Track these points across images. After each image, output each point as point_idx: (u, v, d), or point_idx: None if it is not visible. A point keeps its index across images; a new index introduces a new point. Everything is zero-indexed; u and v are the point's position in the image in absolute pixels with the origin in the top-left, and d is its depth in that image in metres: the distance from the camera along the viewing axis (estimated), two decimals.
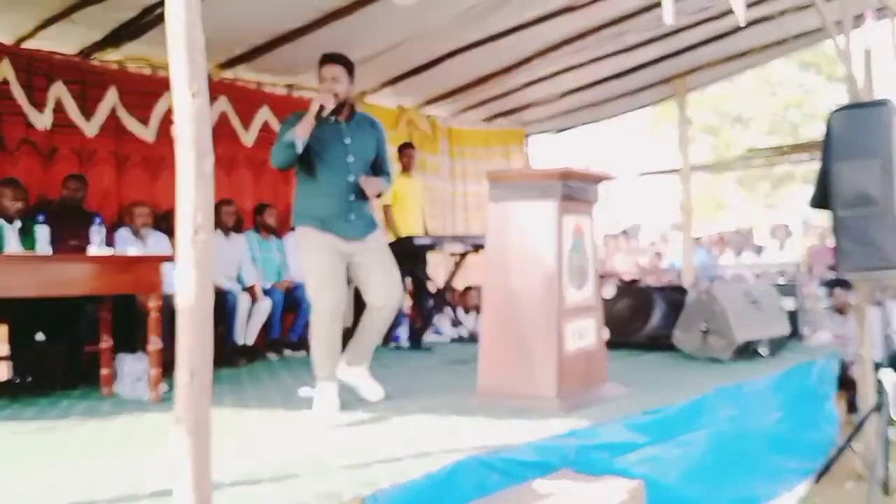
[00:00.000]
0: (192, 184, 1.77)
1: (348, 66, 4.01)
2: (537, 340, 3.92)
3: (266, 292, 6.25)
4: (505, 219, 4.03)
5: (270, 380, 5.15)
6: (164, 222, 5.97)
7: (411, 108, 8.79)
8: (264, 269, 6.52)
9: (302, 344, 6.53)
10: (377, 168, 4.14)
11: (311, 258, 3.91)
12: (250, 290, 6.14)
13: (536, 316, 3.92)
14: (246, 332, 6.06)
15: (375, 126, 4.16)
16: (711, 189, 27.89)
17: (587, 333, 4.11)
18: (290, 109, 7.58)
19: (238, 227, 6.50)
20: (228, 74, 7.13)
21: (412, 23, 6.54)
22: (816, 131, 25.36)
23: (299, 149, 3.78)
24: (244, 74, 7.25)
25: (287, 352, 6.39)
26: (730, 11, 7.07)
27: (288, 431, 3.54)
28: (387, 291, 4.07)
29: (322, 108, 3.82)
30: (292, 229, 4.10)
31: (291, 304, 6.44)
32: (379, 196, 4.19)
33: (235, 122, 7.09)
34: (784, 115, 26.43)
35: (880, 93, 6.19)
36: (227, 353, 5.79)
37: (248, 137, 7.20)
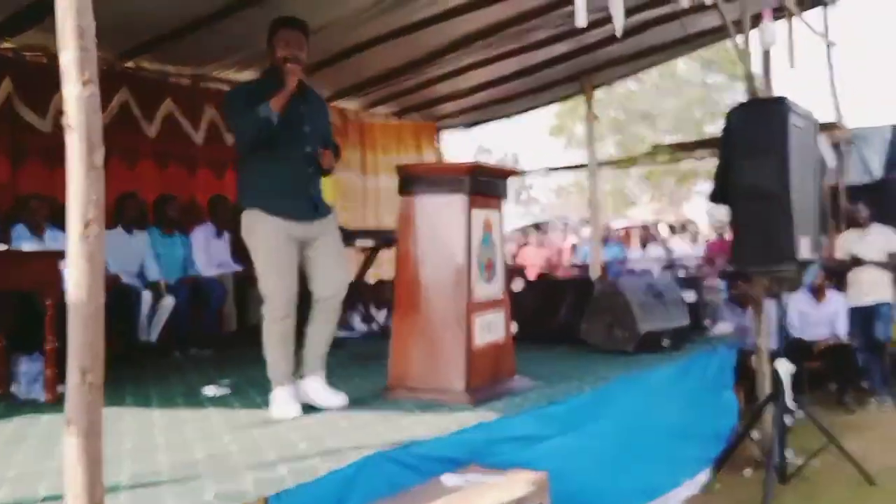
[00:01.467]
0: (83, 176, 1.70)
1: (307, 32, 3.84)
2: (446, 334, 3.93)
3: (170, 288, 6.08)
4: (414, 212, 4.02)
5: (175, 378, 5.01)
6: (63, 217, 5.72)
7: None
8: (167, 264, 6.35)
9: (209, 341, 6.40)
10: (326, 141, 3.93)
11: (263, 247, 3.65)
12: (154, 286, 5.96)
13: (446, 309, 3.93)
14: (149, 330, 5.89)
15: (321, 97, 4.01)
16: (619, 185, 28.56)
17: (496, 327, 4.15)
18: (194, 100, 7.56)
19: (142, 221, 6.31)
20: (130, 64, 6.89)
21: (322, 14, 6.44)
22: (719, 128, 26.37)
23: (274, 122, 3.56)
24: (147, 64, 7.02)
25: (193, 350, 6.23)
26: (635, 9, 7.30)
27: (191, 431, 3.45)
28: (339, 280, 3.85)
29: (301, 81, 3.66)
30: (239, 212, 3.79)
31: (197, 301, 6.29)
32: (329, 172, 3.94)
33: (137, 112, 6.87)
34: (688, 112, 27.23)
35: (777, 90, 6.45)
36: (130, 352, 5.61)
37: (152, 129, 6.99)
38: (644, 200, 27.89)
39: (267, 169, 3.68)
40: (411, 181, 4.07)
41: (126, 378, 4.94)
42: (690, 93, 27.25)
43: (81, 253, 1.69)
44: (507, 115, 10.45)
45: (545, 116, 26.86)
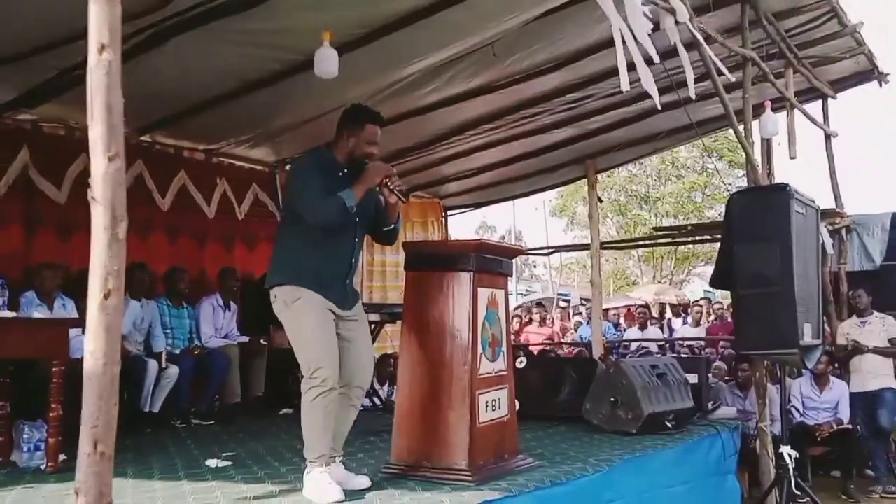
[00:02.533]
0: (105, 248, 1.76)
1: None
2: (450, 411, 3.92)
3: (174, 359, 6.11)
4: (421, 288, 4.07)
5: (176, 449, 5.00)
6: (74, 286, 5.80)
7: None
8: (175, 335, 6.39)
9: (210, 413, 6.39)
10: (375, 223, 3.92)
11: (309, 322, 3.55)
12: (158, 356, 5.99)
13: (450, 386, 3.94)
14: (151, 400, 5.88)
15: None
16: (620, 265, 28.71)
17: (500, 404, 4.15)
18: (207, 174, 7.72)
19: (150, 292, 6.38)
20: (146, 138, 7.07)
21: (331, 96, 6.62)
22: (718, 213, 26.63)
23: (353, 213, 3.58)
24: (162, 138, 7.20)
25: (195, 421, 6.21)
26: (640, 97, 7.50)
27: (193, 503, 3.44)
28: (368, 371, 3.83)
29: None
30: (269, 289, 3.70)
31: (201, 372, 6.30)
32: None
33: (151, 185, 7.01)
34: (688, 196, 27.56)
35: (778, 178, 6.58)
36: (132, 421, 5.60)
37: (165, 202, 7.12)
38: (644, 281, 27.95)
39: (314, 252, 3.63)
40: (418, 258, 4.14)
41: (128, 448, 4.92)
42: (691, 178, 27.63)
43: (100, 323, 1.74)
44: (512, 197, 10.63)
45: (548, 196, 27.17)
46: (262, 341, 7.06)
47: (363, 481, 3.69)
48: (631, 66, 4.18)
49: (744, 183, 26.20)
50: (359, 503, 3.42)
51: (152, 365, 5.89)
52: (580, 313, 14.98)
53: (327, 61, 5.20)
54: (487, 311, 4.10)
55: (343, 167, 3.75)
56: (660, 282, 25.80)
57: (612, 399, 5.34)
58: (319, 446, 3.54)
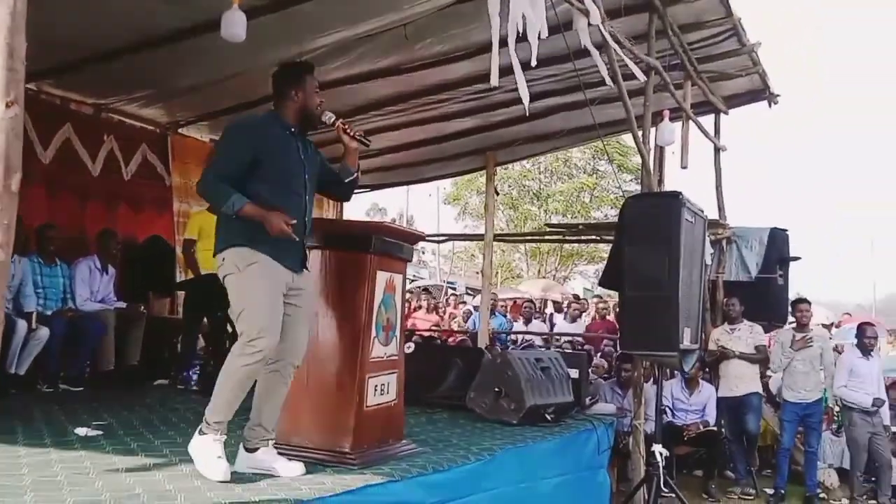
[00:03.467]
0: None
1: None
2: (339, 392, 3.88)
3: (45, 320, 5.80)
4: (319, 267, 3.99)
5: (42, 415, 4.73)
6: None
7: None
8: (46, 295, 6.06)
9: (80, 379, 6.11)
10: (327, 178, 3.78)
11: (260, 289, 3.37)
12: (28, 316, 5.67)
13: (341, 368, 3.89)
14: (18, 361, 5.57)
15: (313, 143, 3.78)
16: (506, 258, 29.19)
17: (389, 389, 4.12)
18: (95, 129, 7.36)
19: (23, 248, 6.01)
20: (31, 86, 6.65)
21: (236, 61, 6.41)
22: (605, 214, 27.46)
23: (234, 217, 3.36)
24: (49, 88, 6.80)
25: (63, 386, 5.92)
26: (543, 95, 7.61)
27: (59, 474, 3.27)
28: (304, 348, 3.64)
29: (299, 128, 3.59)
30: (218, 253, 3.48)
31: (73, 336, 6.01)
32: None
33: (33, 135, 6.61)
34: (577, 196, 28.29)
35: (667, 186, 6.80)
36: None
37: (47, 154, 6.74)
38: (529, 275, 28.54)
39: None
40: (318, 236, 4.05)
41: None
42: (581, 178, 28.37)
43: None
44: (411, 181, 10.61)
45: (442, 183, 27.33)
46: (141, 308, 6.81)
47: (296, 467, 3.51)
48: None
49: (632, 188, 27.13)
50: (239, 483, 3.32)
51: (21, 325, 5.57)
52: (464, 302, 15.14)
53: (235, 24, 5.01)
54: (385, 294, 4.07)
55: (290, 126, 3.58)
56: (544, 277, 26.37)
57: (496, 389, 5.39)
58: (225, 411, 3.39)
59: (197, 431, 3.43)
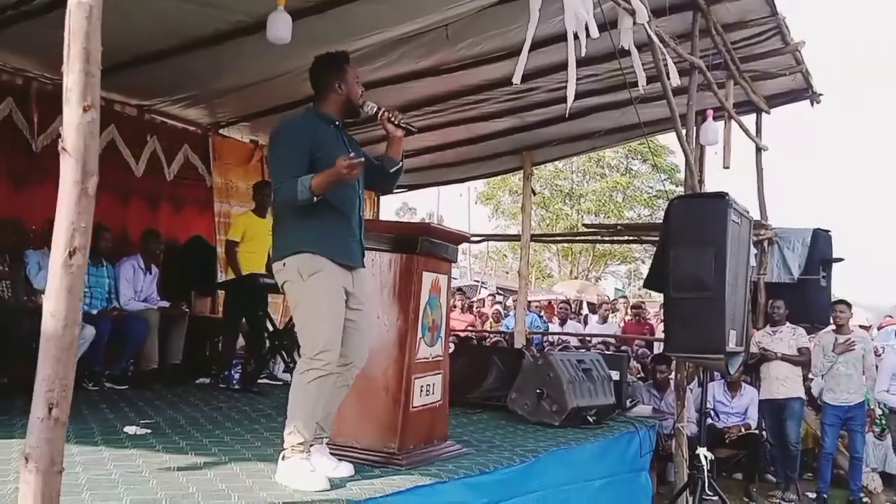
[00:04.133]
0: (74, 203, 1.65)
1: None
2: (385, 393, 3.89)
3: (91, 319, 5.87)
4: (366, 267, 4.00)
5: (90, 413, 4.79)
6: None
7: (267, 146, 8.65)
8: (92, 294, 6.14)
9: (124, 378, 6.20)
10: (371, 171, 3.66)
11: (323, 301, 3.32)
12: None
13: (387, 368, 3.90)
14: None
15: (354, 139, 3.74)
16: (536, 258, 29.10)
17: (434, 389, 4.13)
18: (137, 131, 7.45)
19: None
20: None
21: (278, 63, 6.46)
22: (637, 213, 27.25)
23: (311, 203, 3.29)
24: None
25: (108, 384, 6.00)
26: (581, 95, 7.56)
27: (113, 472, 3.31)
28: (367, 345, 3.59)
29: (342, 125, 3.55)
30: (279, 259, 3.42)
31: (117, 335, 6.08)
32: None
33: None
34: (610, 196, 28.11)
35: (708, 185, 6.73)
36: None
37: None
38: (561, 275, 28.44)
39: (322, 212, 3.36)
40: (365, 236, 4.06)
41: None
42: (614, 178, 28.18)
43: (62, 282, 1.63)
44: (447, 182, 10.60)
45: (474, 182, 27.29)
46: (183, 307, 6.88)
47: (346, 468, 3.50)
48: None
49: (665, 187, 26.74)
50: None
51: None
52: (499, 302, 15.13)
53: (280, 26, 5.05)
54: (430, 295, 4.08)
55: (333, 121, 3.54)
56: (576, 277, 26.25)
57: (538, 391, 5.38)
58: (305, 432, 3.31)
59: (280, 458, 3.36)
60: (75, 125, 1.67)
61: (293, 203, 3.30)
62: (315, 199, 3.26)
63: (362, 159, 3.38)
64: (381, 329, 3.93)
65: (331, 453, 3.65)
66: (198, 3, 5.30)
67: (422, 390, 4.01)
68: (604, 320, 12.01)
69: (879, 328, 13.80)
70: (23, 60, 6.35)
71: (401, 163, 3.71)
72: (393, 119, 3.56)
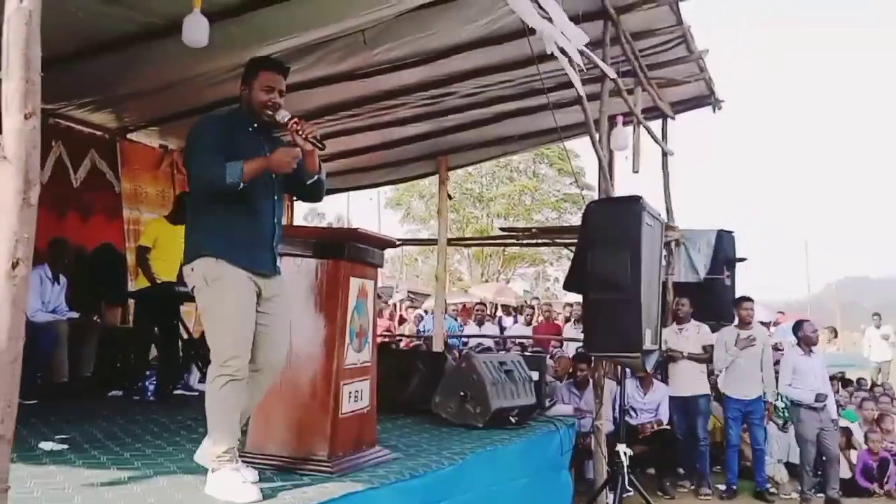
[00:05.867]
0: (16, 213, 1.60)
1: (286, 74, 3.55)
2: (313, 400, 3.86)
3: None
4: (291, 274, 3.97)
5: None
6: None
7: (176, 151, 8.46)
8: None
9: (32, 392, 5.93)
10: (294, 181, 3.59)
11: (229, 306, 3.28)
12: None
13: (315, 375, 3.87)
14: None
15: (281, 140, 3.67)
16: (447, 262, 29.25)
17: (362, 395, 4.13)
18: (42, 136, 7.07)
19: None
20: None
21: (188, 66, 6.33)
22: (545, 217, 27.77)
23: (238, 189, 3.24)
24: None
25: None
26: (496, 100, 7.70)
27: (35, 490, 3.19)
28: (282, 353, 3.54)
29: (267, 125, 3.46)
30: (186, 264, 3.39)
31: (24, 348, 5.81)
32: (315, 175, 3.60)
33: None
34: (519, 198, 28.57)
35: (618, 189, 6.94)
36: None
37: None
38: (473, 277, 28.70)
39: (232, 217, 3.34)
40: (289, 242, 4.01)
41: None
42: (522, 181, 28.65)
43: (6, 295, 1.58)
44: (361, 187, 10.58)
45: (382, 188, 27.29)
46: (94, 318, 6.66)
47: (251, 474, 3.43)
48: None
49: (571, 190, 27.31)
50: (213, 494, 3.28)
51: None
52: (414, 306, 15.16)
53: (197, 29, 4.95)
54: (357, 300, 4.07)
55: (252, 122, 3.49)
56: (486, 280, 26.54)
57: (461, 393, 5.43)
58: (228, 438, 3.29)
59: (209, 472, 3.31)
60: (16, 133, 1.63)
61: (219, 186, 3.24)
62: (241, 185, 3.24)
63: (297, 151, 3.38)
64: (308, 335, 3.91)
65: (256, 462, 3.64)
66: (107, 3, 5.14)
67: (350, 396, 4.00)
68: (528, 322, 12.14)
69: (775, 324, 14.48)
70: None
71: (317, 176, 3.62)
72: (301, 133, 3.44)
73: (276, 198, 3.54)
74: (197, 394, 6.85)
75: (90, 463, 3.81)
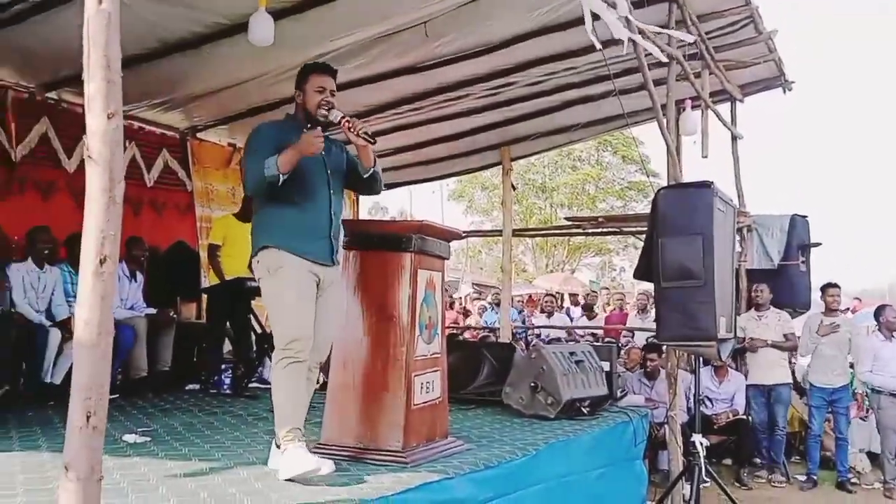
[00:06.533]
0: (102, 211, 1.65)
1: (336, 76, 3.77)
2: (386, 392, 3.89)
3: None
4: (360, 267, 4.00)
5: None
6: None
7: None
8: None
9: (114, 387, 6.12)
10: (351, 176, 3.84)
11: (290, 293, 3.49)
12: (63, 324, 5.69)
13: (387, 367, 3.90)
14: (53, 371, 5.58)
15: (337, 141, 3.92)
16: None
17: (434, 387, 4.15)
18: None
19: (52, 257, 6.03)
20: (53, 95, 6.67)
21: (254, 64, 6.43)
22: (610, 205, 27.43)
23: (279, 182, 3.45)
24: (69, 97, 6.80)
25: None
26: (561, 88, 7.62)
27: (121, 481, 3.29)
28: (328, 338, 3.74)
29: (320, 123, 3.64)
30: (253, 255, 3.62)
31: None
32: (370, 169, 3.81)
33: (57, 145, 6.65)
34: (582, 188, 28.28)
35: (686, 175, 6.80)
36: (33, 393, 5.33)
37: (71, 163, 6.74)
38: (537, 268, 28.55)
39: (289, 211, 3.57)
40: (359, 236, 4.07)
41: (33, 420, 4.72)
42: (585, 170, 28.35)
43: (95, 289, 1.63)
44: (426, 179, 10.60)
45: (445, 181, 27.33)
46: (170, 313, 6.82)
47: (327, 464, 3.47)
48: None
49: (636, 178, 26.90)
50: (297, 484, 3.33)
51: (55, 334, 5.59)
52: (479, 298, 15.16)
53: (263, 28, 5.05)
54: (426, 292, 4.08)
55: (304, 126, 3.66)
56: (551, 270, 26.37)
57: (532, 384, 5.40)
58: (294, 418, 3.46)
59: (273, 449, 3.54)
60: (100, 133, 1.67)
61: (262, 182, 3.46)
62: (282, 177, 3.44)
63: (321, 134, 3.56)
64: (378, 328, 3.94)
65: (334, 454, 3.73)
66: (174, 5, 5.26)
67: (422, 388, 4.02)
68: (589, 310, 12.00)
69: (852, 311, 14.05)
70: None
71: (371, 169, 3.83)
72: (352, 129, 3.63)
73: (331, 191, 3.72)
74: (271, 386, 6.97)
75: (172, 454, 3.91)
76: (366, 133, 3.66)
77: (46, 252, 5.94)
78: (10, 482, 3.22)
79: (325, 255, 3.65)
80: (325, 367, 4.02)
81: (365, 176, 3.84)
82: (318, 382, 3.90)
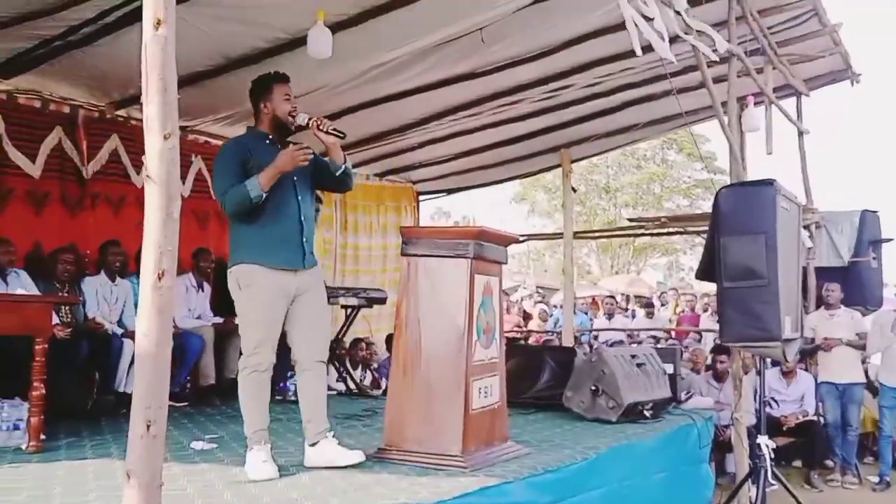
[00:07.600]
0: (160, 227, 1.72)
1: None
2: (444, 397, 3.93)
3: None
4: (418, 274, 4.05)
5: None
6: (37, 262, 5.74)
7: None
8: None
9: (183, 395, 6.30)
10: (321, 175, 3.95)
11: (256, 308, 3.66)
12: (133, 335, 5.87)
13: (445, 372, 3.94)
14: (127, 380, 5.77)
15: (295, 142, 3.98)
16: (574, 255, 28.92)
17: (492, 391, 4.17)
18: (182, 152, 7.45)
19: (123, 270, 6.24)
20: (122, 113, 6.91)
21: (313, 77, 6.53)
22: (676, 204, 27.00)
23: (261, 201, 3.60)
24: (137, 114, 7.03)
25: (168, 402, 6.10)
26: (617, 89, 7.56)
27: (187, 487, 3.40)
28: (322, 343, 3.92)
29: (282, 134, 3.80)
30: (229, 269, 3.78)
31: (174, 352, 6.16)
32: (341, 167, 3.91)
33: (126, 161, 6.87)
34: (647, 187, 27.91)
35: (751, 172, 6.68)
36: (107, 402, 5.52)
37: (140, 178, 6.95)
38: (603, 271, 28.28)
39: (259, 223, 3.70)
40: (415, 243, 4.11)
41: (105, 429, 4.88)
42: (650, 169, 27.97)
43: (153, 303, 1.71)
44: (486, 184, 10.62)
45: (508, 183, 27.30)
46: (236, 322, 6.96)
47: (356, 455, 3.76)
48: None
49: (702, 175, 26.42)
50: (356, 486, 3.40)
51: (128, 344, 5.78)
52: (541, 301, 15.11)
53: (321, 41, 5.14)
54: (483, 298, 4.11)
55: (267, 136, 3.82)
56: (616, 272, 26.10)
57: (593, 387, 5.38)
58: (255, 421, 3.68)
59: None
60: (158, 153, 1.75)
61: (247, 203, 3.59)
62: (264, 195, 3.59)
63: (308, 148, 3.71)
64: (436, 334, 3.99)
65: (395, 458, 3.85)
66: (235, 22, 5.39)
67: (480, 392, 4.05)
68: (650, 307, 11.84)
69: None
70: (69, 89, 6.48)
71: (343, 166, 3.94)
72: (322, 127, 3.76)
73: (299, 198, 3.82)
74: (335, 393, 7.09)
75: (237, 461, 3.98)
76: (335, 129, 3.79)
77: (118, 265, 6.16)
78: (83, 489, 3.35)
79: (298, 261, 3.78)
80: (385, 373, 4.11)
81: (337, 174, 3.95)
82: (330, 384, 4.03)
